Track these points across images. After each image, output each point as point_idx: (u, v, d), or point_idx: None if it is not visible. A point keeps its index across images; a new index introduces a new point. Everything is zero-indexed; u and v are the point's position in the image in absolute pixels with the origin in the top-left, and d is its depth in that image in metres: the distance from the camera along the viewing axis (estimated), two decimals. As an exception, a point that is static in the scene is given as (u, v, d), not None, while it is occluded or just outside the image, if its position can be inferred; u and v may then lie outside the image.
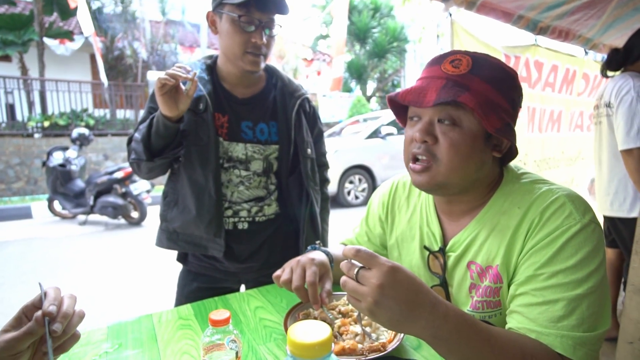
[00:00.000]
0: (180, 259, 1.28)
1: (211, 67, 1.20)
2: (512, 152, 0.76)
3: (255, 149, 1.19)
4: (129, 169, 5.26)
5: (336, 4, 8.83)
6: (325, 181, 1.38)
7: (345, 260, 0.58)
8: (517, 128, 0.76)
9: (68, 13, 9.02)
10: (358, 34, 13.78)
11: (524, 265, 0.67)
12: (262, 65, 1.15)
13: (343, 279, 0.57)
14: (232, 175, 1.18)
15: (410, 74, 15.58)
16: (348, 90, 14.69)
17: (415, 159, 0.74)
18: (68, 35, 9.20)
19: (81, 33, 9.65)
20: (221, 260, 1.20)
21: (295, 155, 1.22)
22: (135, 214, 5.40)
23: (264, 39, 1.08)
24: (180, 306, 0.93)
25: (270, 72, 1.27)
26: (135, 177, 5.38)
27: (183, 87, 1.01)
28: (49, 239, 4.88)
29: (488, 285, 0.73)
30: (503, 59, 2.26)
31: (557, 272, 0.63)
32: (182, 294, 1.26)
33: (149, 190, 5.45)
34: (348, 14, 10.41)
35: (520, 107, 0.76)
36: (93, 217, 5.73)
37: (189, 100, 1.02)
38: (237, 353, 0.60)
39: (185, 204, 1.17)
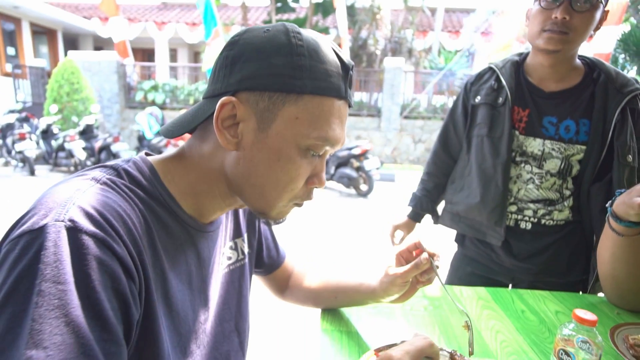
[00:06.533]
0: (458, 241, 1.37)
1: (518, 62, 1.19)
2: None
3: (554, 146, 1.11)
4: (366, 147, 5.97)
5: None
6: None
7: None
8: None
9: (328, 12, 10.90)
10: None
11: None
12: (564, 46, 1.01)
13: None
14: (522, 170, 1.16)
15: None
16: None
17: None
18: (326, 30, 11.21)
19: (334, 27, 11.47)
20: (497, 252, 1.22)
21: (607, 161, 1.06)
22: (364, 187, 6.14)
23: (565, 15, 0.96)
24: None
25: (592, 65, 1.12)
26: (369, 155, 6.07)
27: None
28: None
29: None
30: None
31: None
32: (456, 275, 1.35)
33: (378, 168, 6.04)
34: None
35: None
36: (330, 184, 6.87)
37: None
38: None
39: (471, 190, 1.24)
